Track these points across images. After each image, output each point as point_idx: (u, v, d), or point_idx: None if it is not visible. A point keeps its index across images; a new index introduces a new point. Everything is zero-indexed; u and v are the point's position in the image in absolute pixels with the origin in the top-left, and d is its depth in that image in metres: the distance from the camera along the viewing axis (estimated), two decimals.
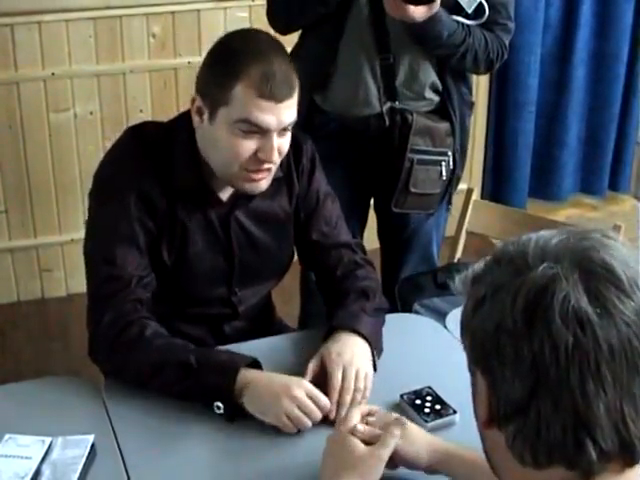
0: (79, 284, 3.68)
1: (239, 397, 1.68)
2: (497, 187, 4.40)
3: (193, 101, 1.83)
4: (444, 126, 2.48)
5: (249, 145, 1.78)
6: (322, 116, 2.50)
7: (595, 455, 0.97)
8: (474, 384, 1.09)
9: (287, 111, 1.77)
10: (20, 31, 3.42)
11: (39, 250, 3.77)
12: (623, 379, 0.97)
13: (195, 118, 1.83)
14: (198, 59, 2.09)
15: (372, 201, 2.71)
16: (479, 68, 2.48)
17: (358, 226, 2.66)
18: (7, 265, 3.76)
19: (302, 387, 1.68)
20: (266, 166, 1.81)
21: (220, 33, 1.86)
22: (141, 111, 3.65)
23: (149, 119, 3.51)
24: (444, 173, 2.49)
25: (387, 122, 2.43)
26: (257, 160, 1.80)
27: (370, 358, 1.82)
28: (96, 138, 3.60)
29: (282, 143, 1.82)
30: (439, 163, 2.47)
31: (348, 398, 1.73)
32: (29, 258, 3.77)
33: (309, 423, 1.67)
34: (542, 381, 0.98)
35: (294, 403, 1.66)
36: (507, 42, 2.47)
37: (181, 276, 1.94)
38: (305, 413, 1.66)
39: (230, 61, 1.77)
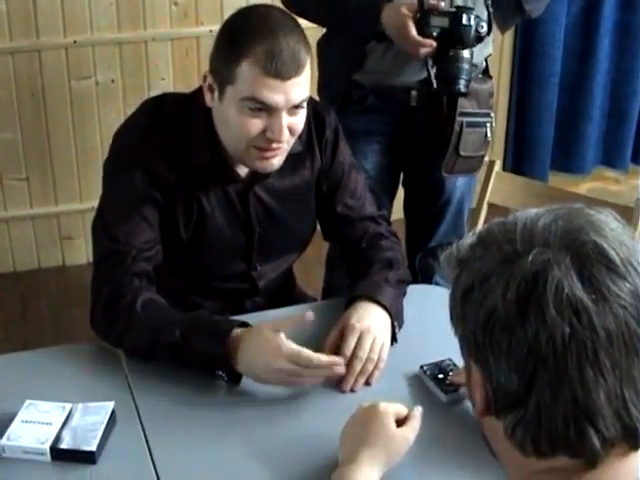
0: None
1: (234, 362, 1.68)
2: (519, 159, 4.37)
3: (205, 78, 1.81)
4: (487, 87, 2.46)
5: (257, 123, 1.75)
6: (360, 90, 2.47)
7: (598, 443, 0.95)
8: (468, 371, 1.07)
9: (295, 89, 1.73)
10: None
11: (60, 218, 3.79)
12: (622, 364, 0.95)
13: (207, 96, 1.81)
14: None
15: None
16: None
17: (388, 200, 2.65)
18: (28, 232, 3.77)
19: (281, 356, 1.64)
20: (275, 145, 1.78)
21: (242, 2, 1.84)
22: (163, 79, 3.64)
23: (170, 87, 3.52)
24: (489, 134, 2.48)
25: (435, 85, 2.31)
26: (266, 139, 1.77)
27: (389, 329, 1.82)
28: (117, 106, 3.59)
29: (294, 122, 1.78)
30: (484, 125, 2.46)
31: (359, 366, 1.73)
32: (50, 225, 3.79)
33: (306, 382, 1.69)
34: (539, 372, 0.95)
35: (281, 375, 1.64)
36: None
37: (200, 251, 1.93)
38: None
39: (236, 39, 1.74)
